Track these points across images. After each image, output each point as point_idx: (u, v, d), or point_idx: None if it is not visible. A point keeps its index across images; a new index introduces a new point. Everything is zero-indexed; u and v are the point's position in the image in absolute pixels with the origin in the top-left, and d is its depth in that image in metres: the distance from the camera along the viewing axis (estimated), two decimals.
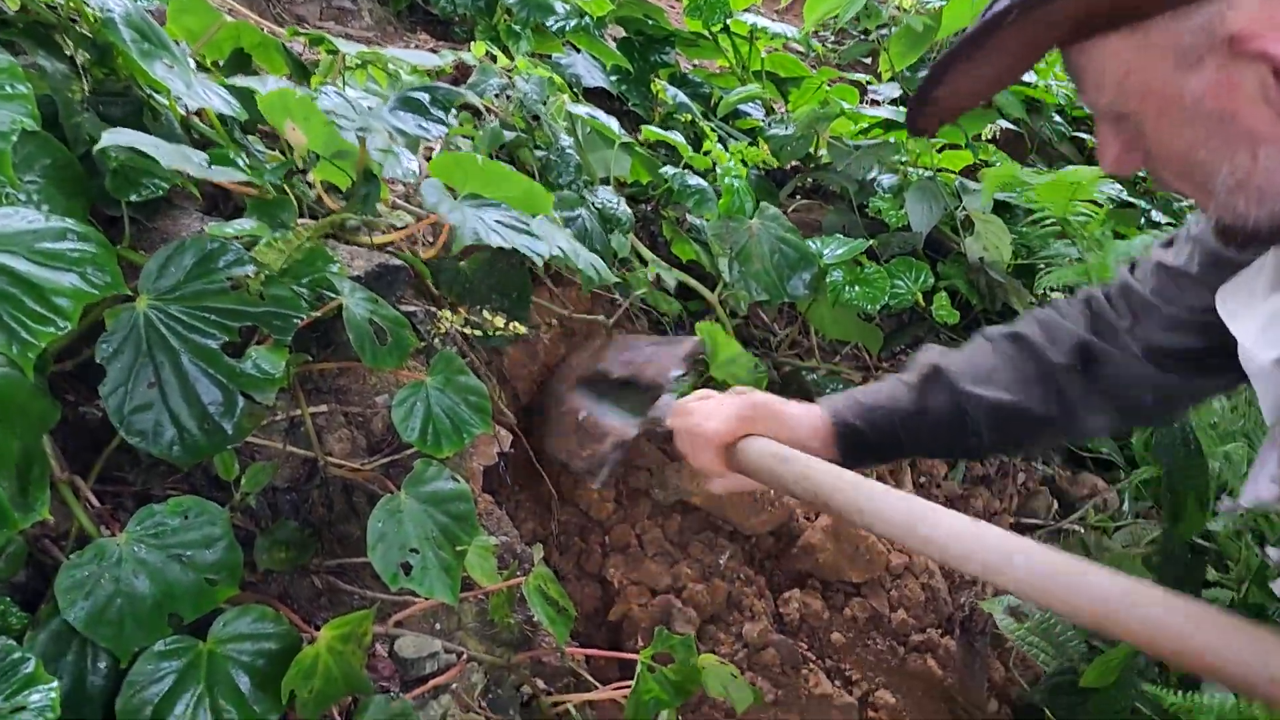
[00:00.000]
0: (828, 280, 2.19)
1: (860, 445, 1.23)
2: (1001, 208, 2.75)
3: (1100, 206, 2.45)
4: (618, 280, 1.76)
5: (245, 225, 1.23)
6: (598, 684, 1.45)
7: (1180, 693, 1.11)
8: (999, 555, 0.88)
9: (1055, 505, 2.45)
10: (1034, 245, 2.67)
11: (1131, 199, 3.32)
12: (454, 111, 1.64)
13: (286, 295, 1.15)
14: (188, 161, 1.20)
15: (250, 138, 1.48)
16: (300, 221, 1.32)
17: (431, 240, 1.56)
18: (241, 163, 1.34)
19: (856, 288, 2.20)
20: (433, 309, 1.49)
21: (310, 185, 1.41)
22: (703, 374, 1.73)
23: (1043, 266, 2.73)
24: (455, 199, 1.36)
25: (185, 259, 1.09)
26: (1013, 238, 2.54)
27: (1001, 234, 2.50)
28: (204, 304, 1.09)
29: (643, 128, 2.23)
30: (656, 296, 1.96)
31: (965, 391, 1.21)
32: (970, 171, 2.90)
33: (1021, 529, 2.39)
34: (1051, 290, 2.51)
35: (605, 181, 2.05)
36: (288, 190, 1.35)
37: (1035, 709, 1.88)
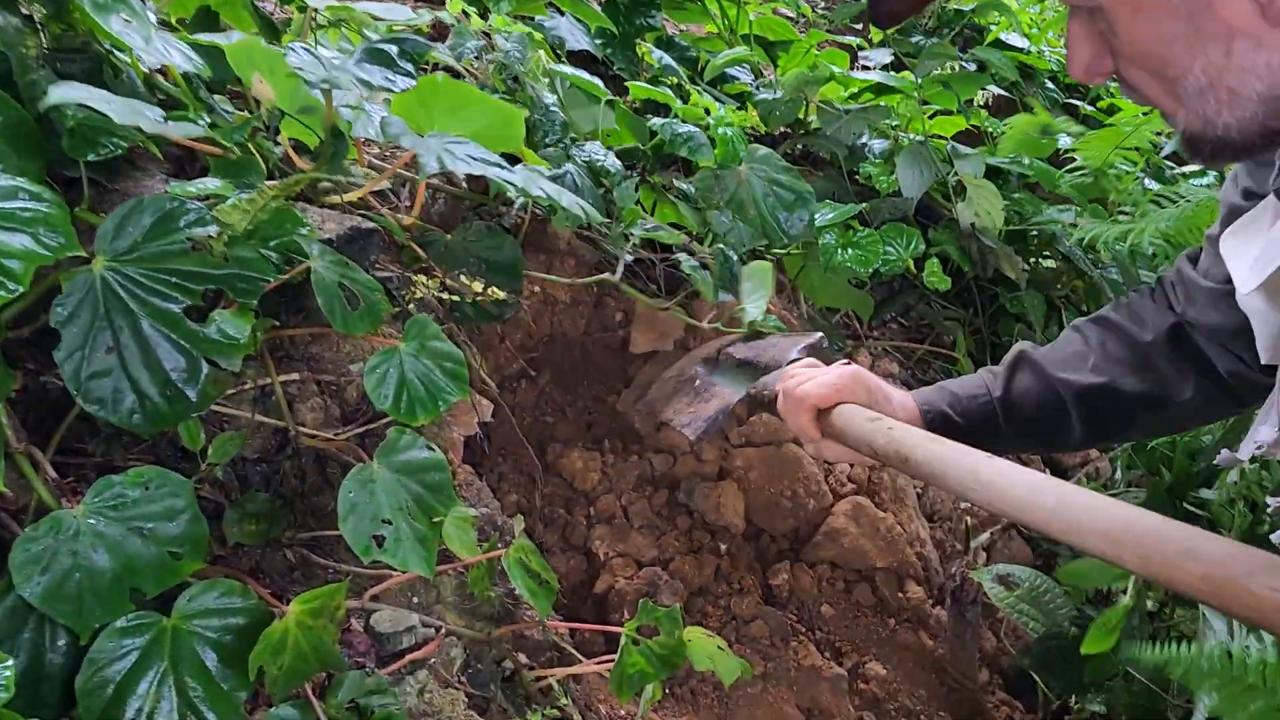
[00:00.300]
0: (820, 244, 2.14)
1: (952, 434, 1.20)
2: (993, 174, 2.71)
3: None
4: (605, 221, 1.71)
5: (209, 185, 1.18)
6: (582, 658, 1.42)
7: (1158, 647, 1.09)
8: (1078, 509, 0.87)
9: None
10: (1026, 211, 2.63)
11: (1126, 165, 3.29)
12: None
13: (252, 257, 1.10)
14: (141, 117, 1.15)
15: (217, 97, 1.43)
16: (268, 183, 1.27)
17: (409, 204, 1.51)
18: (204, 121, 1.29)
19: (849, 251, 2.16)
20: (408, 274, 1.44)
21: (277, 145, 1.35)
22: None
23: (1035, 234, 2.70)
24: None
25: (143, 219, 1.04)
26: (1005, 204, 2.50)
27: (994, 200, 2.46)
28: (164, 265, 1.04)
29: (630, 85, 2.18)
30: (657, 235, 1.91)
31: (1054, 376, 1.21)
32: (962, 137, 2.85)
33: None
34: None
35: (592, 138, 2.00)
36: (254, 150, 1.30)
37: (1025, 674, 1.86)
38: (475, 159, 1.27)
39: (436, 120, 1.36)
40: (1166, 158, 3.14)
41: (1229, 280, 1.07)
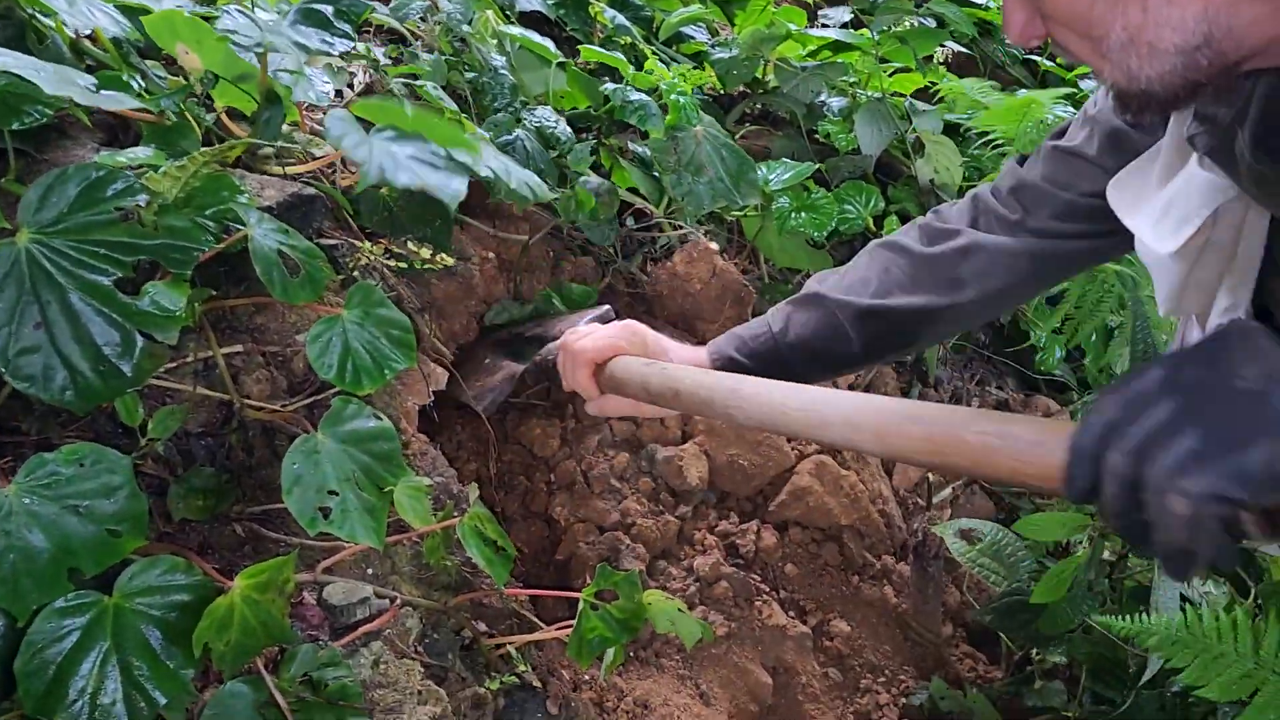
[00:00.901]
0: (774, 207, 2.12)
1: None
2: (952, 130, 2.70)
3: (1048, 126, 2.39)
4: (555, 198, 1.69)
5: (140, 153, 1.15)
6: (542, 624, 1.41)
7: (1128, 617, 1.10)
8: (890, 418, 0.88)
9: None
10: (985, 167, 2.62)
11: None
12: (377, 38, 1.55)
13: (185, 226, 1.07)
14: (72, 86, 1.11)
15: (149, 62, 1.39)
16: (204, 150, 1.23)
17: (351, 169, 1.47)
18: (136, 87, 1.25)
19: (803, 214, 2.15)
20: (354, 241, 1.41)
21: (210, 112, 1.32)
22: None
23: None
24: (368, 132, 1.27)
25: (68, 189, 1.01)
26: (964, 160, 2.49)
27: (952, 156, 2.45)
28: (92, 237, 1.01)
29: (581, 48, 2.14)
30: (596, 206, 1.88)
31: (834, 302, 1.23)
32: (922, 94, 2.83)
33: None
34: None
35: (543, 104, 1.96)
36: (188, 116, 1.26)
37: (988, 630, 1.88)
38: (420, 163, 1.26)
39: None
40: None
41: (1092, 195, 1.10)
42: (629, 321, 1.27)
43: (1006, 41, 3.59)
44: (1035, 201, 1.18)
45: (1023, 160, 1.22)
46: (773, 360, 1.24)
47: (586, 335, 1.26)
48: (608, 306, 1.57)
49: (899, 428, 0.83)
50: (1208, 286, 1.02)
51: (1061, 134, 1.18)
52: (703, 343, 1.33)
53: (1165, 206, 0.96)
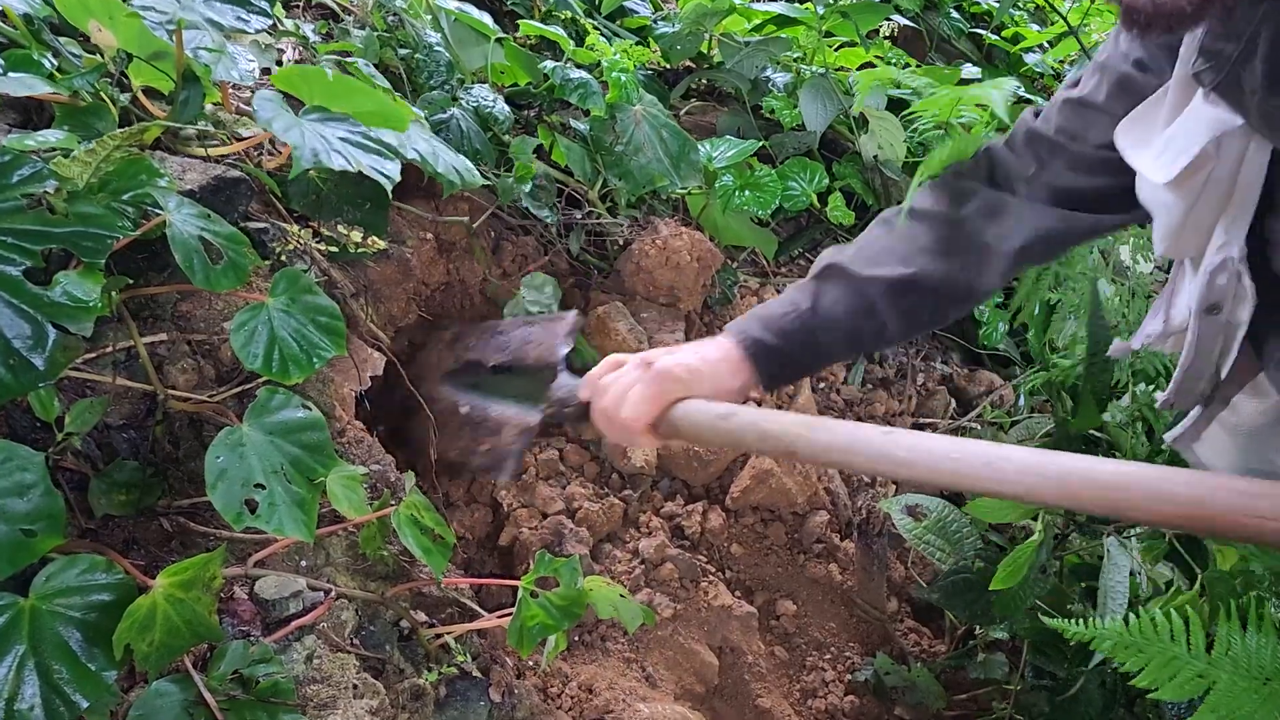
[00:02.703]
0: (717, 185, 2.11)
1: (778, 361, 1.21)
2: (896, 105, 2.69)
3: (985, 109, 2.39)
4: (486, 183, 1.66)
5: (51, 136, 1.10)
6: (483, 612, 1.39)
7: (1080, 622, 1.10)
8: (979, 462, 0.90)
9: (953, 404, 2.46)
10: (929, 142, 2.62)
11: (1029, 95, 3.30)
12: (307, 14, 1.50)
13: (98, 213, 1.03)
14: None
15: (64, 39, 1.33)
16: (119, 130, 1.19)
17: (278, 150, 1.43)
18: (49, 66, 1.20)
19: (747, 192, 2.13)
20: (283, 225, 1.37)
21: (125, 92, 1.27)
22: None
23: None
24: (297, 114, 1.24)
25: None
26: (907, 135, 2.49)
27: (896, 131, 2.44)
28: None
29: (521, 22, 2.10)
30: (538, 195, 1.85)
31: (862, 276, 1.20)
32: (867, 68, 2.82)
33: (920, 429, 2.38)
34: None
35: (481, 81, 1.92)
36: (103, 97, 1.21)
37: (932, 605, 1.89)
38: (354, 146, 1.23)
39: (317, 99, 1.30)
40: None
41: (1104, 146, 1.09)
42: (658, 368, 1.19)
43: (953, 15, 3.60)
44: (1050, 153, 1.17)
45: (1036, 114, 1.21)
46: (805, 339, 1.20)
47: (622, 396, 1.19)
48: (574, 313, 1.45)
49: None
50: (1205, 226, 1.02)
51: (1075, 84, 1.18)
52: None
53: (1167, 141, 0.96)
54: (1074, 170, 1.15)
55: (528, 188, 1.79)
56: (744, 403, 1.21)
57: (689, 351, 1.21)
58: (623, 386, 1.20)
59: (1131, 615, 1.08)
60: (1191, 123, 0.96)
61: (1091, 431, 2.21)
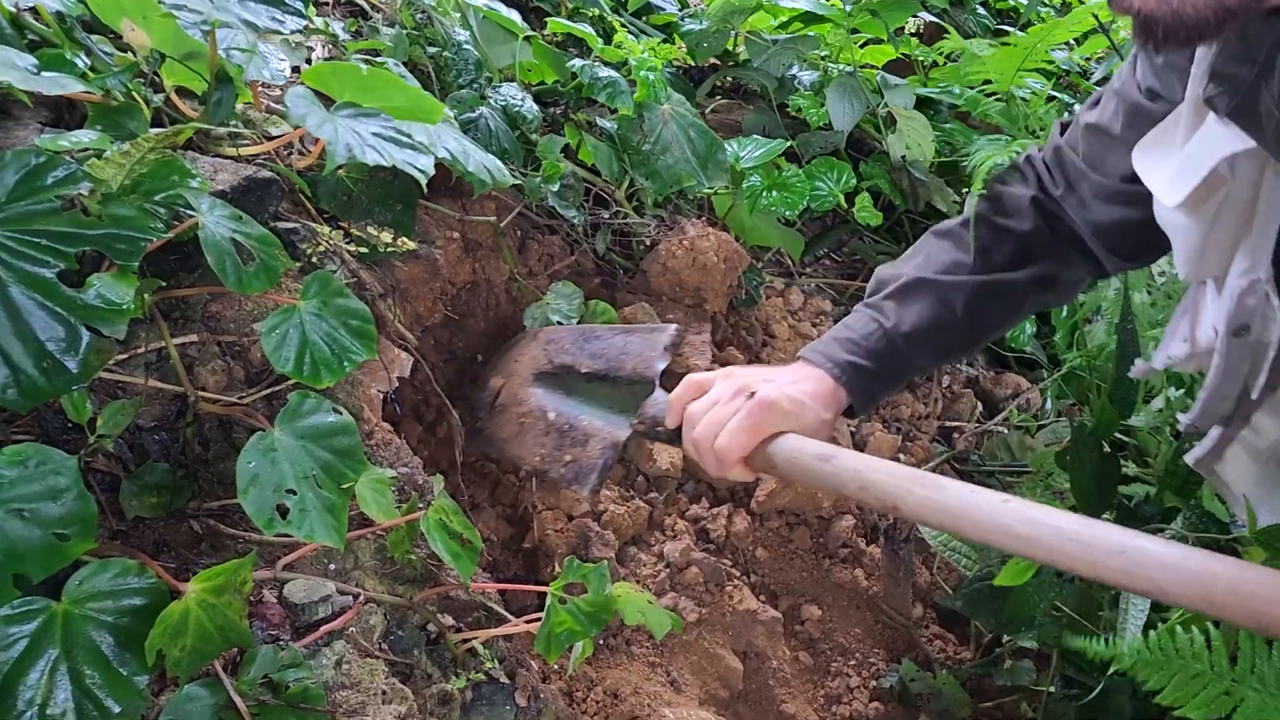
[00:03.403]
0: (745, 185, 2.09)
1: (871, 384, 1.19)
2: (924, 104, 2.67)
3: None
4: (516, 183, 1.64)
5: (84, 137, 1.09)
6: (510, 616, 1.38)
7: (1098, 640, 1.08)
8: (1110, 548, 0.83)
9: (980, 407, 2.44)
10: (957, 142, 2.60)
11: (1055, 93, 3.27)
12: (336, 12, 1.49)
13: (131, 215, 1.02)
14: (10, 69, 1.06)
15: (96, 37, 1.32)
16: (154, 132, 1.18)
17: (308, 149, 1.42)
18: (81, 65, 1.20)
19: (775, 193, 2.11)
20: (314, 226, 1.36)
21: (158, 92, 1.26)
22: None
23: (967, 164, 2.67)
24: (329, 110, 1.23)
25: (6, 177, 0.96)
26: (935, 135, 2.47)
27: (924, 131, 2.42)
28: (32, 227, 0.96)
29: (548, 20, 2.09)
30: (565, 195, 1.84)
31: (939, 284, 1.19)
32: (893, 67, 2.80)
33: (946, 433, 2.37)
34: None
35: (509, 79, 1.91)
36: (136, 97, 1.21)
37: (958, 613, 1.87)
38: (387, 141, 1.22)
39: (349, 94, 1.29)
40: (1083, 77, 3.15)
41: (1125, 178, 1.08)
42: (758, 398, 1.13)
43: (979, 11, 3.56)
44: (1076, 178, 1.17)
45: (1064, 128, 1.21)
46: (892, 356, 1.19)
47: (717, 429, 1.14)
48: (675, 327, 1.39)
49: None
50: (1227, 247, 1.01)
51: (1095, 104, 1.17)
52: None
53: (1182, 163, 0.95)
54: (1101, 200, 1.15)
55: (555, 187, 1.78)
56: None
57: (786, 381, 1.17)
58: (719, 416, 1.15)
59: (1152, 631, 1.06)
60: (1203, 145, 0.94)
61: (1120, 436, 2.19)
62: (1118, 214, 1.13)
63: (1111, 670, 1.04)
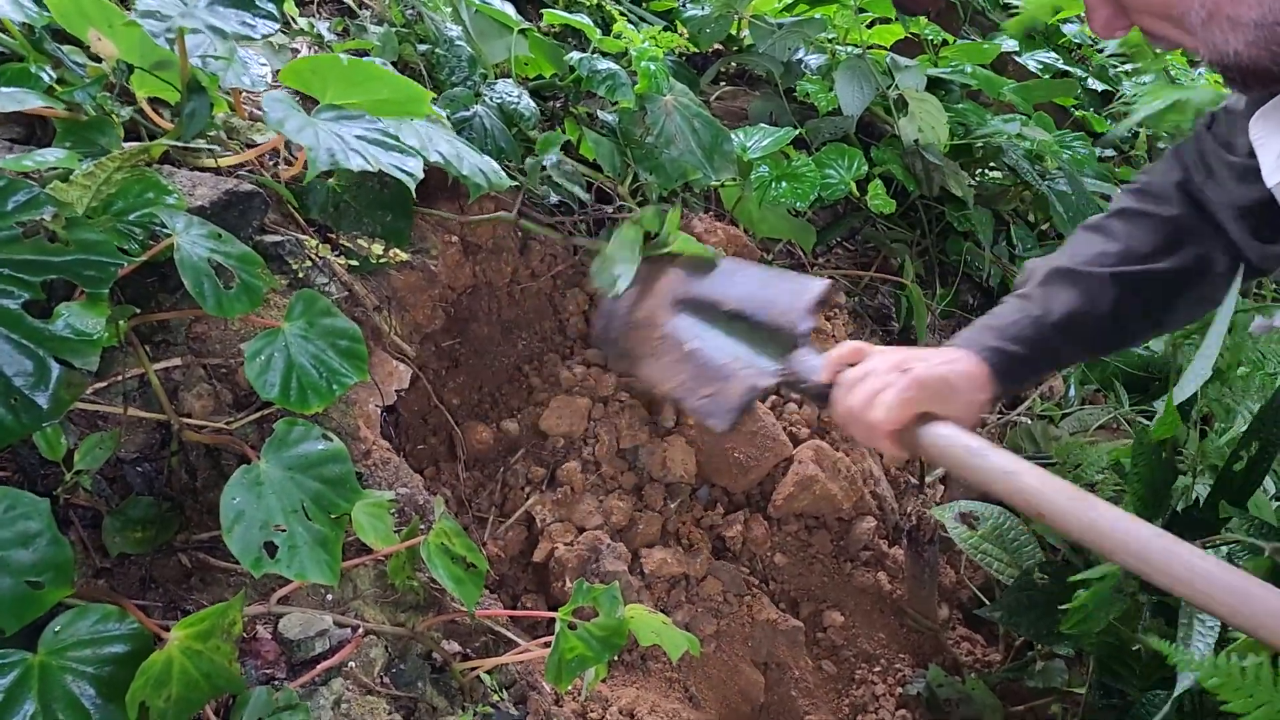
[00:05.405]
0: (753, 177, 2.02)
1: (1016, 366, 1.19)
2: (935, 85, 2.59)
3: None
4: (515, 184, 1.58)
5: (50, 156, 1.03)
6: (519, 639, 1.33)
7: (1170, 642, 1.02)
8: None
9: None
10: (971, 122, 2.51)
11: (1068, 67, 3.18)
12: (321, 11, 1.42)
13: (99, 239, 0.96)
14: None
15: (67, 48, 1.26)
16: (124, 148, 1.12)
17: (294, 156, 1.36)
18: (48, 78, 1.13)
19: (784, 184, 2.04)
20: (301, 238, 1.30)
21: (128, 105, 1.20)
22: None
23: (980, 146, 2.59)
24: (310, 113, 1.17)
25: None
26: (948, 116, 2.39)
27: (937, 113, 2.34)
28: None
29: (544, 11, 2.02)
30: (562, 181, 1.77)
31: (1093, 275, 1.19)
32: (902, 47, 2.72)
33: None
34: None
35: (505, 75, 1.84)
36: (108, 111, 1.14)
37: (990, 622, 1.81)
38: (372, 144, 1.15)
39: (331, 91, 1.22)
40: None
41: (1253, 154, 1.05)
42: (911, 371, 1.12)
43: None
44: (1215, 161, 1.16)
45: (1212, 121, 1.19)
46: (1040, 344, 1.19)
47: (874, 402, 1.12)
48: (827, 282, 1.32)
49: None
50: None
51: None
52: None
53: None
54: (1239, 181, 1.12)
55: (554, 158, 1.70)
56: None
57: (939, 361, 1.16)
58: (873, 387, 1.14)
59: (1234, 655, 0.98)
60: None
61: (1143, 420, 2.12)
62: (1255, 193, 1.09)
63: (1189, 684, 0.97)
